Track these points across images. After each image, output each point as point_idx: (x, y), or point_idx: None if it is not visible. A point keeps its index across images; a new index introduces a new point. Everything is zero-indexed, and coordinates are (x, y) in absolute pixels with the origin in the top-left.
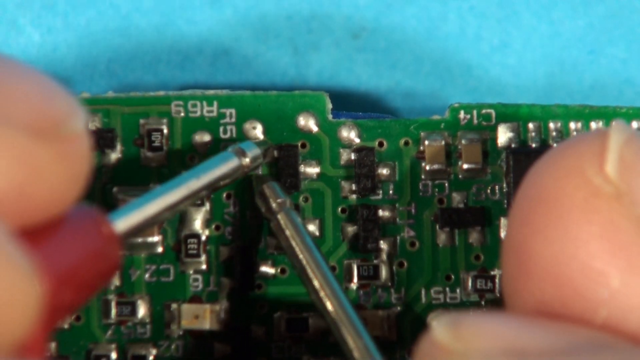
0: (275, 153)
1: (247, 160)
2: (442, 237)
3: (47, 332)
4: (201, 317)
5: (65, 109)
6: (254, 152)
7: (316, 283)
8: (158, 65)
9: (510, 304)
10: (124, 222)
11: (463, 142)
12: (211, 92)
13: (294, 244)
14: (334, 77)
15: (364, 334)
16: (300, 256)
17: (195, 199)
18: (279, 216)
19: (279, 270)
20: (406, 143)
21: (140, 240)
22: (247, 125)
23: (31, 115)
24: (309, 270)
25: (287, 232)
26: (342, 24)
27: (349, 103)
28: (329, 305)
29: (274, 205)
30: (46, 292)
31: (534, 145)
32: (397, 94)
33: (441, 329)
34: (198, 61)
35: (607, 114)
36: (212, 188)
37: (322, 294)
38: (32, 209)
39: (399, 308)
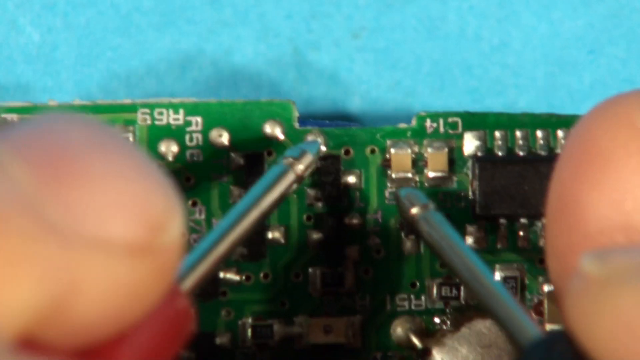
0: (242, 161)
1: (301, 167)
2: (407, 245)
3: None
4: None
5: (165, 214)
6: (307, 158)
7: (474, 289)
8: (158, 65)
9: (562, 262)
10: (190, 280)
11: (429, 150)
12: (177, 99)
13: (443, 248)
14: (334, 77)
15: (526, 319)
16: (452, 260)
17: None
18: (424, 219)
19: (244, 277)
20: (372, 151)
21: None
22: (214, 133)
23: (129, 228)
24: (465, 278)
25: (435, 235)
26: (342, 24)
27: (349, 103)
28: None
29: (415, 210)
30: None
31: (500, 153)
32: (397, 94)
33: (591, 263)
34: (198, 61)
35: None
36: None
37: (480, 297)
38: (115, 323)
39: (363, 315)
